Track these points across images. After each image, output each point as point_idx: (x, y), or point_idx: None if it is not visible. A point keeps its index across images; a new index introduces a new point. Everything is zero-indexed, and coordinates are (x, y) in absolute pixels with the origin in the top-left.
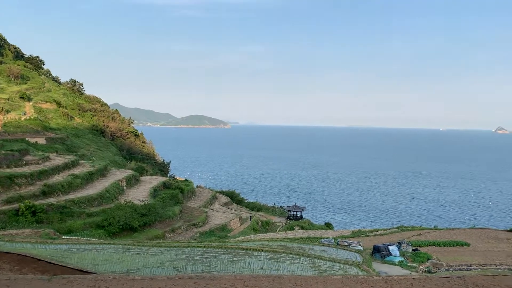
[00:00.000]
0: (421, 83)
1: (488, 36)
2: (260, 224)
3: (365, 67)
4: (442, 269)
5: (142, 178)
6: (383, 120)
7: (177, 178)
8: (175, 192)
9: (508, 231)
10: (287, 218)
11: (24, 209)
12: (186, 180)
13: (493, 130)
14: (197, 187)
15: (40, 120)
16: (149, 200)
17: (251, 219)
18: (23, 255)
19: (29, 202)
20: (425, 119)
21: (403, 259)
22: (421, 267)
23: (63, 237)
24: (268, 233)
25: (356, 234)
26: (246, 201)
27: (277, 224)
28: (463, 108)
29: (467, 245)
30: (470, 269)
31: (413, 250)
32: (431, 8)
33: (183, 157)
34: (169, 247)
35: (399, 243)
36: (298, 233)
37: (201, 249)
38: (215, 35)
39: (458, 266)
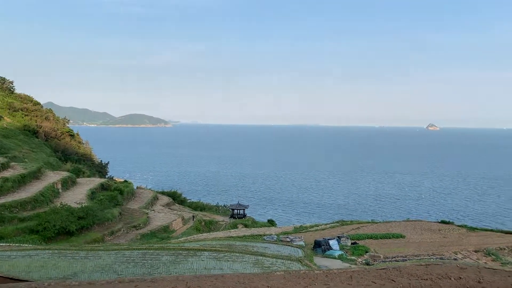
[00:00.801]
0: (360, 84)
1: (422, 39)
2: (203, 223)
3: (303, 65)
4: (380, 260)
5: (79, 180)
6: (330, 119)
7: (116, 179)
8: (114, 194)
9: (439, 222)
10: (231, 217)
11: None
12: (125, 181)
13: (425, 127)
14: (137, 188)
15: None
16: (86, 203)
17: (194, 219)
18: None
19: None
20: (363, 117)
21: (343, 252)
22: (359, 259)
23: None
24: (211, 233)
25: (298, 230)
26: (188, 201)
27: (221, 223)
28: (397, 106)
29: (403, 237)
30: (406, 260)
31: (352, 243)
32: (366, 9)
33: (122, 157)
34: (109, 251)
35: (339, 237)
36: (241, 231)
37: (142, 251)
38: (156, 32)
39: (395, 257)
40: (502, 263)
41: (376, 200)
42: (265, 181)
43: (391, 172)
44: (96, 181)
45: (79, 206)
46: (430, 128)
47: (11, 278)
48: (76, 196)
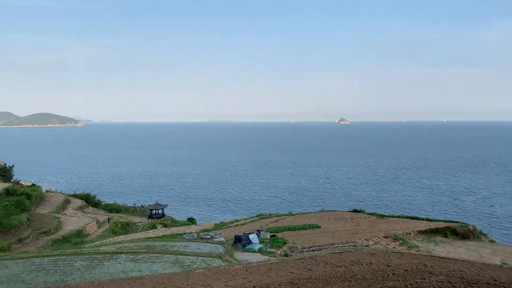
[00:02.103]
0: (273, 79)
1: (325, 37)
2: (119, 226)
3: (219, 62)
4: (297, 251)
5: None
6: (243, 115)
7: (23, 183)
8: (21, 199)
9: (352, 211)
10: (149, 217)
11: None
12: (33, 185)
13: (336, 121)
14: (46, 191)
15: None
16: None
17: (110, 222)
18: None
19: None
20: (279, 113)
21: (262, 245)
22: (278, 251)
23: None
24: (128, 235)
25: (218, 226)
26: (103, 203)
27: (139, 224)
28: (310, 102)
29: (318, 227)
30: (321, 249)
31: (271, 236)
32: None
33: (28, 160)
34: (16, 259)
35: (258, 231)
36: (160, 231)
37: (53, 258)
38: (67, 27)
39: (311, 247)
40: (408, 247)
41: (292, 193)
42: (182, 179)
43: (305, 165)
44: (0, 186)
45: None
46: (341, 122)
47: None
48: None
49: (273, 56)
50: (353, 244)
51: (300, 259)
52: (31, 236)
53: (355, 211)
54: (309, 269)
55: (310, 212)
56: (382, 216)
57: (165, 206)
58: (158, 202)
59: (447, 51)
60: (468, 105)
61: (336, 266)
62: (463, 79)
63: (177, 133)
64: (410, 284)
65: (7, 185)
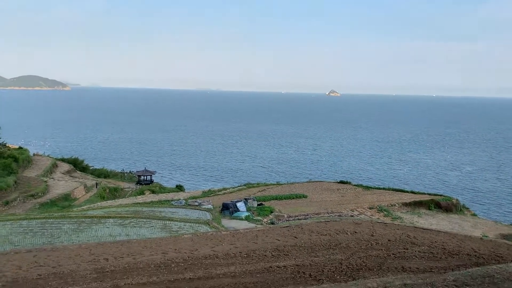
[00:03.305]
0: (267, 49)
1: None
2: (107, 191)
3: (210, 30)
4: (284, 220)
5: None
6: (235, 84)
7: (10, 145)
8: (8, 161)
9: (338, 182)
10: (137, 183)
11: None
12: (20, 148)
13: (326, 93)
14: (34, 155)
15: None
16: None
17: (98, 187)
18: None
19: None
20: (271, 84)
21: (249, 213)
22: (265, 219)
23: None
24: (116, 200)
25: (206, 193)
26: (91, 168)
27: (127, 190)
28: (302, 73)
29: (305, 197)
30: (307, 218)
31: (258, 204)
32: None
33: (15, 122)
34: (3, 221)
35: (245, 199)
36: (148, 197)
37: (41, 221)
38: None
39: (297, 216)
40: (392, 218)
41: (280, 164)
42: (171, 147)
43: (293, 137)
44: None
45: None
46: (331, 94)
47: None
48: None
49: (266, 24)
50: (338, 214)
51: (286, 227)
52: (18, 199)
53: (341, 182)
54: (295, 237)
55: (297, 182)
56: (368, 187)
57: (153, 172)
58: (146, 168)
59: (442, 25)
60: (457, 81)
61: (321, 235)
62: (456, 54)
63: (166, 100)
64: (393, 254)
65: None
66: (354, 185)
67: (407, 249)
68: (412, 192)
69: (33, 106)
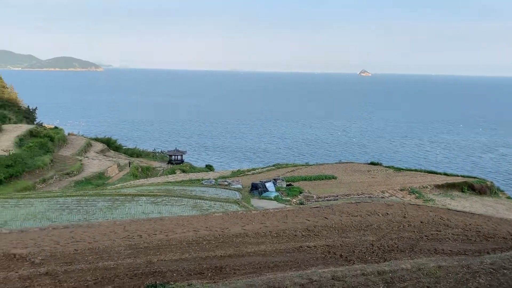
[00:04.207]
0: (297, 28)
1: None
2: (140, 170)
3: (241, 11)
4: (313, 200)
5: (4, 126)
6: (266, 65)
7: (46, 125)
8: (44, 141)
9: (368, 164)
10: (168, 163)
11: None
12: (56, 127)
13: (358, 73)
14: (69, 134)
15: None
16: (14, 150)
17: (130, 166)
18: None
19: None
20: (302, 64)
21: (278, 194)
22: (294, 200)
23: None
24: (148, 179)
25: (235, 173)
26: (124, 147)
27: (158, 169)
28: (333, 53)
29: (335, 178)
30: (337, 199)
31: (287, 185)
32: None
33: (51, 103)
34: (41, 198)
35: (274, 179)
36: (179, 176)
37: (76, 198)
38: None
39: (327, 197)
40: (424, 200)
41: (309, 145)
42: (202, 127)
43: (323, 117)
44: (24, 127)
45: (6, 153)
46: (362, 74)
47: None
48: (3, 144)
49: (297, 4)
50: (369, 195)
51: (316, 207)
52: (54, 177)
53: (372, 163)
54: (325, 217)
55: (327, 163)
56: (399, 169)
57: (184, 152)
58: (177, 148)
59: (481, 3)
60: (495, 60)
61: (352, 216)
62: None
63: (198, 81)
64: (426, 236)
65: (30, 127)
66: (385, 166)
67: (440, 231)
68: (445, 174)
69: (67, 86)
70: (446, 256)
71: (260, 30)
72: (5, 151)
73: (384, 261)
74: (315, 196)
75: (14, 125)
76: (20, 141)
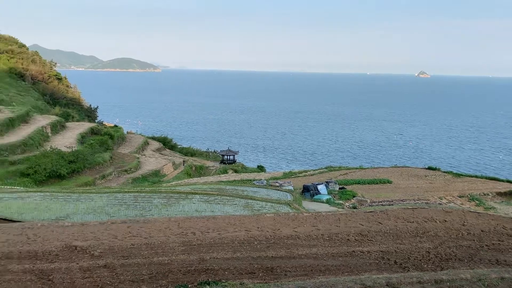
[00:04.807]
0: (351, 27)
1: None
2: (194, 168)
3: (291, 11)
4: (367, 205)
5: (68, 124)
6: (318, 66)
7: (106, 124)
8: (105, 138)
9: (426, 168)
10: (221, 162)
11: None
12: (115, 126)
13: (416, 75)
14: (127, 133)
15: None
16: (76, 147)
17: (185, 164)
18: None
19: None
20: (353, 64)
21: (330, 197)
22: (347, 203)
23: None
24: (202, 177)
25: (287, 175)
26: (179, 146)
27: (211, 168)
28: (389, 53)
29: (390, 182)
30: (392, 204)
31: (340, 188)
32: None
33: (111, 102)
34: (100, 193)
35: (327, 182)
36: (231, 176)
37: (133, 194)
38: None
39: (381, 202)
40: (485, 208)
41: (362, 148)
42: (255, 128)
43: (378, 119)
44: (86, 125)
45: (69, 150)
46: (421, 75)
47: (3, 219)
48: (66, 140)
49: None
50: (425, 201)
51: (370, 212)
52: (113, 173)
53: (429, 168)
54: (380, 223)
55: (382, 167)
56: (458, 175)
57: (236, 152)
58: (230, 148)
59: None
60: None
61: (407, 222)
62: None
63: (250, 82)
64: (486, 245)
65: (92, 125)
66: (444, 171)
67: (503, 241)
68: (508, 181)
69: (126, 86)
70: (509, 268)
71: (312, 30)
72: (68, 147)
73: (441, 270)
74: (369, 201)
75: (77, 123)
76: (82, 139)
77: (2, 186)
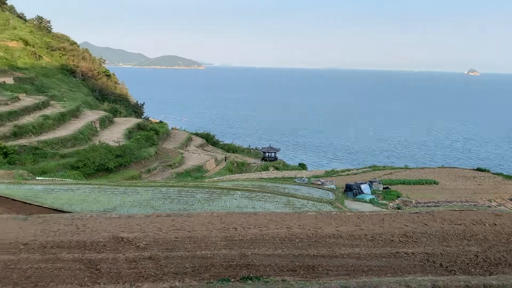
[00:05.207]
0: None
1: None
2: (235, 165)
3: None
4: (411, 205)
5: (116, 119)
6: (366, 63)
7: (152, 119)
8: (150, 134)
9: (475, 170)
10: (262, 159)
11: None
12: (160, 122)
13: (465, 73)
14: (172, 128)
15: (7, 59)
16: (124, 142)
17: (227, 160)
18: None
19: (0, 144)
20: (399, 62)
21: (374, 196)
22: (391, 204)
23: (36, 178)
24: (243, 174)
25: (329, 173)
26: (221, 142)
27: (252, 165)
28: (437, 51)
29: (436, 183)
30: (438, 206)
31: (384, 188)
32: None
33: (157, 98)
34: (146, 187)
35: (370, 181)
36: (272, 173)
37: (177, 189)
38: None
39: (427, 203)
40: None
41: (407, 147)
42: (296, 125)
43: (424, 118)
44: (133, 121)
45: (117, 144)
46: (470, 73)
47: (55, 209)
48: (114, 135)
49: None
50: (474, 203)
51: (416, 213)
52: (158, 167)
53: (478, 169)
54: (425, 224)
55: (428, 167)
56: (509, 177)
57: (277, 150)
58: (271, 145)
59: None
60: None
61: (454, 224)
62: None
63: (294, 79)
64: None
65: (138, 120)
66: (493, 173)
67: None
68: None
69: (171, 83)
70: None
71: (360, 28)
72: (116, 142)
73: (490, 275)
74: (413, 201)
75: (124, 118)
76: (129, 134)
77: (54, 178)
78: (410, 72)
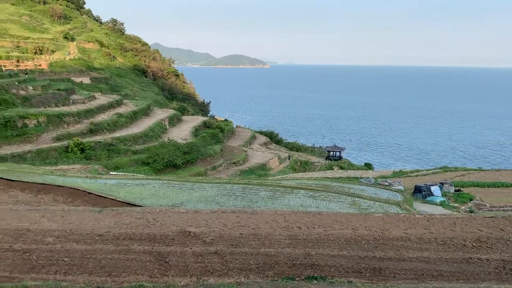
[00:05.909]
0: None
1: None
2: (299, 163)
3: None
4: (485, 209)
5: (184, 117)
6: (427, 59)
7: (217, 118)
8: (216, 132)
9: None
10: (326, 158)
11: (73, 146)
12: (225, 120)
13: None
14: (236, 127)
15: (84, 60)
16: (191, 139)
17: (290, 159)
18: (75, 189)
19: (78, 140)
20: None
21: (444, 199)
22: (463, 207)
23: (110, 172)
24: (306, 173)
25: (397, 174)
26: (285, 141)
27: (316, 164)
28: (488, 44)
29: None
30: None
31: (455, 190)
32: None
33: (222, 97)
34: (211, 183)
35: (441, 183)
36: (337, 173)
37: (242, 186)
38: None
39: (502, 207)
40: None
41: (481, 148)
42: (361, 124)
43: (498, 117)
44: (199, 119)
45: (184, 141)
46: None
47: (127, 203)
48: (181, 133)
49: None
50: None
51: (491, 217)
52: (223, 165)
53: None
54: (501, 229)
55: (505, 169)
56: None
57: (342, 149)
58: (336, 144)
59: None
60: None
61: None
62: None
63: (353, 77)
64: None
65: (205, 118)
66: None
67: None
68: None
69: (236, 82)
70: None
71: (422, 23)
72: (183, 139)
73: None
74: (488, 205)
75: (192, 116)
76: (196, 131)
77: (126, 173)
78: (464, 68)
